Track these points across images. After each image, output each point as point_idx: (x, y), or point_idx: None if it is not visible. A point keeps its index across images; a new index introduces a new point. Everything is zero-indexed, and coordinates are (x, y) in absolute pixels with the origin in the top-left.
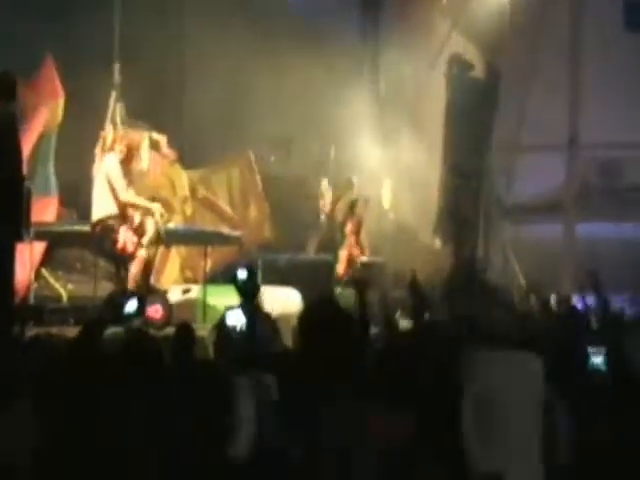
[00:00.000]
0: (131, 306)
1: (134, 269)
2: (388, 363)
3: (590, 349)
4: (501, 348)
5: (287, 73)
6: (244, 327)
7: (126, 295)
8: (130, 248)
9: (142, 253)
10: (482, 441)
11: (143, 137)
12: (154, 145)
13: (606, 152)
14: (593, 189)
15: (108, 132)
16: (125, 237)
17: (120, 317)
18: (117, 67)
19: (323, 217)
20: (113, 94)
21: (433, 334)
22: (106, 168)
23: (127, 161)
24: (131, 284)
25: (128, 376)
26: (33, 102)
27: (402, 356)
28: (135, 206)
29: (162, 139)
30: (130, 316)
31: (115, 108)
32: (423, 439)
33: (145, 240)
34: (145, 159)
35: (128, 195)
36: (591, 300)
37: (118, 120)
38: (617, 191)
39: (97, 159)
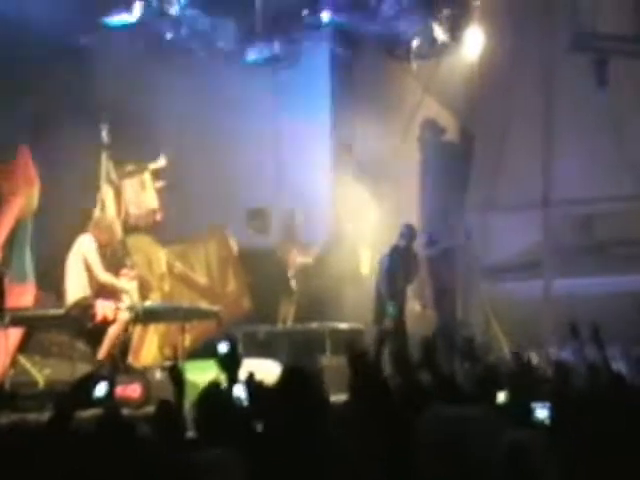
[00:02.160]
0: (100, 390)
1: (115, 332)
2: None
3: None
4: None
5: (260, 145)
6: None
7: (95, 378)
8: (110, 315)
9: (124, 315)
10: None
11: (144, 172)
12: (155, 174)
13: (579, 208)
14: (568, 246)
15: (106, 193)
16: (102, 307)
17: (90, 402)
18: (105, 127)
19: (294, 284)
20: (104, 155)
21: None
22: (82, 248)
23: (103, 245)
24: (108, 353)
25: (100, 456)
26: (8, 190)
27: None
28: (113, 287)
29: (161, 162)
30: (100, 400)
31: (108, 167)
32: None
33: (123, 306)
34: (151, 194)
35: (107, 275)
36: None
37: (114, 177)
38: (592, 247)
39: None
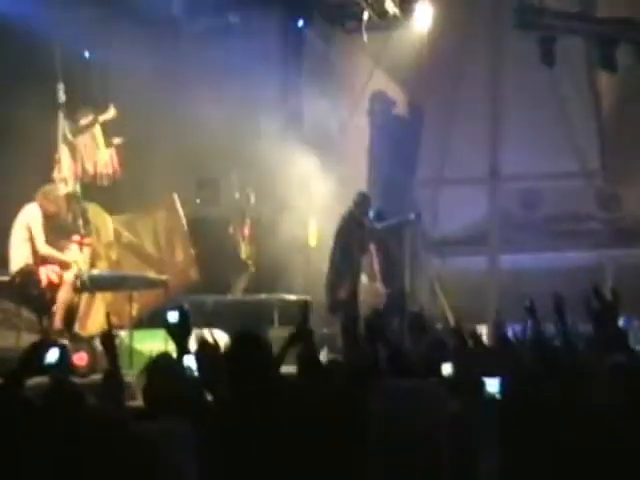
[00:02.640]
0: (52, 356)
1: (63, 295)
2: None
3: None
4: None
5: (210, 114)
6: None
7: (47, 344)
8: (56, 279)
9: (69, 277)
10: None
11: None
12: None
13: (525, 183)
14: (515, 220)
15: (62, 152)
16: (47, 272)
17: (42, 367)
18: (61, 87)
19: (244, 256)
20: (61, 114)
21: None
22: (27, 218)
23: (50, 216)
24: (57, 323)
25: (48, 424)
26: None
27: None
28: (54, 259)
29: (110, 113)
30: (52, 366)
31: (64, 126)
32: None
33: (65, 288)
34: (103, 150)
35: (48, 249)
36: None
37: (69, 136)
38: (537, 222)
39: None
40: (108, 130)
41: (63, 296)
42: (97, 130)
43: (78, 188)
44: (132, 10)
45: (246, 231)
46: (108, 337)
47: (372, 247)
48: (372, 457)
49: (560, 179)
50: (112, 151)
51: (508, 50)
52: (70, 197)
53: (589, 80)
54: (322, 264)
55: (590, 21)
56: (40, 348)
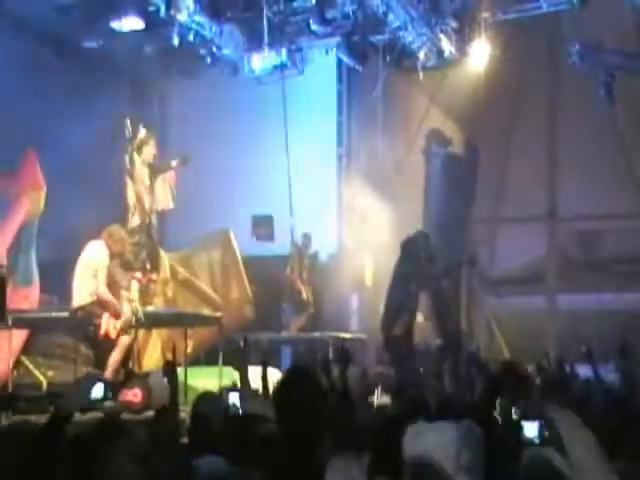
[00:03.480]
0: (98, 391)
1: (117, 355)
2: None
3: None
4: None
5: (267, 152)
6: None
7: (92, 380)
8: (113, 334)
9: (125, 339)
10: None
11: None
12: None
13: (585, 224)
14: (573, 261)
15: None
16: (107, 324)
17: (88, 403)
18: (128, 122)
19: (305, 296)
20: (129, 149)
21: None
22: (94, 255)
23: (115, 255)
24: (110, 369)
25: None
26: (15, 193)
27: None
28: (107, 304)
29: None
30: (98, 401)
31: (132, 158)
32: None
33: (121, 324)
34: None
35: (106, 293)
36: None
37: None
38: (596, 263)
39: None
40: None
41: (116, 356)
42: (168, 174)
43: (154, 219)
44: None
45: (304, 272)
46: (171, 367)
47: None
48: None
49: (621, 219)
50: (170, 180)
51: (565, 89)
52: (136, 231)
53: None
54: (378, 303)
55: None
56: (86, 383)
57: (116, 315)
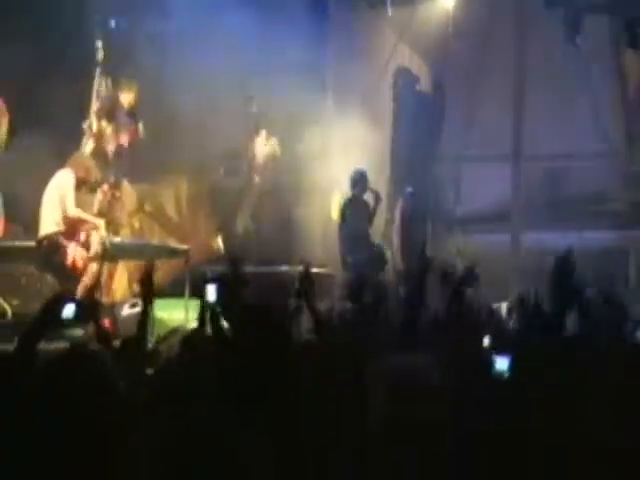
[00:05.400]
0: (69, 310)
1: (84, 284)
2: None
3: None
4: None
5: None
6: None
7: (64, 299)
8: (80, 263)
9: (93, 267)
10: None
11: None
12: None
13: (550, 162)
14: (538, 199)
15: (92, 119)
16: (75, 252)
17: (57, 322)
18: (100, 44)
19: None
20: (98, 70)
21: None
22: (61, 182)
23: (80, 183)
24: (80, 290)
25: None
26: None
27: None
28: (83, 221)
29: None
30: (69, 321)
31: (101, 82)
32: None
33: (92, 254)
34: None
35: (77, 210)
36: None
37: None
38: (561, 201)
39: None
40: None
41: (85, 283)
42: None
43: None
44: None
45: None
46: (147, 276)
47: (396, 224)
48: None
49: (585, 159)
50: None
51: (534, 27)
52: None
53: (615, 59)
54: None
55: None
56: (57, 303)
57: (84, 244)
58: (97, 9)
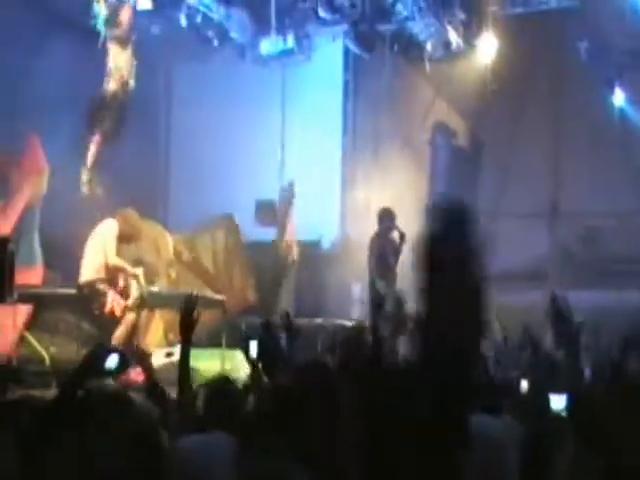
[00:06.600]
0: (112, 361)
1: (121, 332)
2: None
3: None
4: None
5: (272, 138)
6: None
7: (106, 350)
8: (118, 311)
9: (130, 317)
10: None
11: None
12: None
13: (587, 221)
14: (574, 258)
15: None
16: (113, 300)
17: (101, 372)
18: None
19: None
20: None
21: None
22: (104, 231)
23: (124, 236)
24: (117, 338)
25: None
26: (18, 177)
27: None
28: (122, 269)
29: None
30: (111, 372)
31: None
32: None
33: (130, 303)
34: None
35: (117, 259)
36: None
37: None
38: (597, 260)
39: None
40: None
41: (121, 333)
42: None
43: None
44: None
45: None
46: (186, 346)
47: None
48: None
49: (622, 218)
50: None
51: (573, 84)
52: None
53: None
54: None
55: None
56: (99, 354)
57: (122, 292)
58: None
